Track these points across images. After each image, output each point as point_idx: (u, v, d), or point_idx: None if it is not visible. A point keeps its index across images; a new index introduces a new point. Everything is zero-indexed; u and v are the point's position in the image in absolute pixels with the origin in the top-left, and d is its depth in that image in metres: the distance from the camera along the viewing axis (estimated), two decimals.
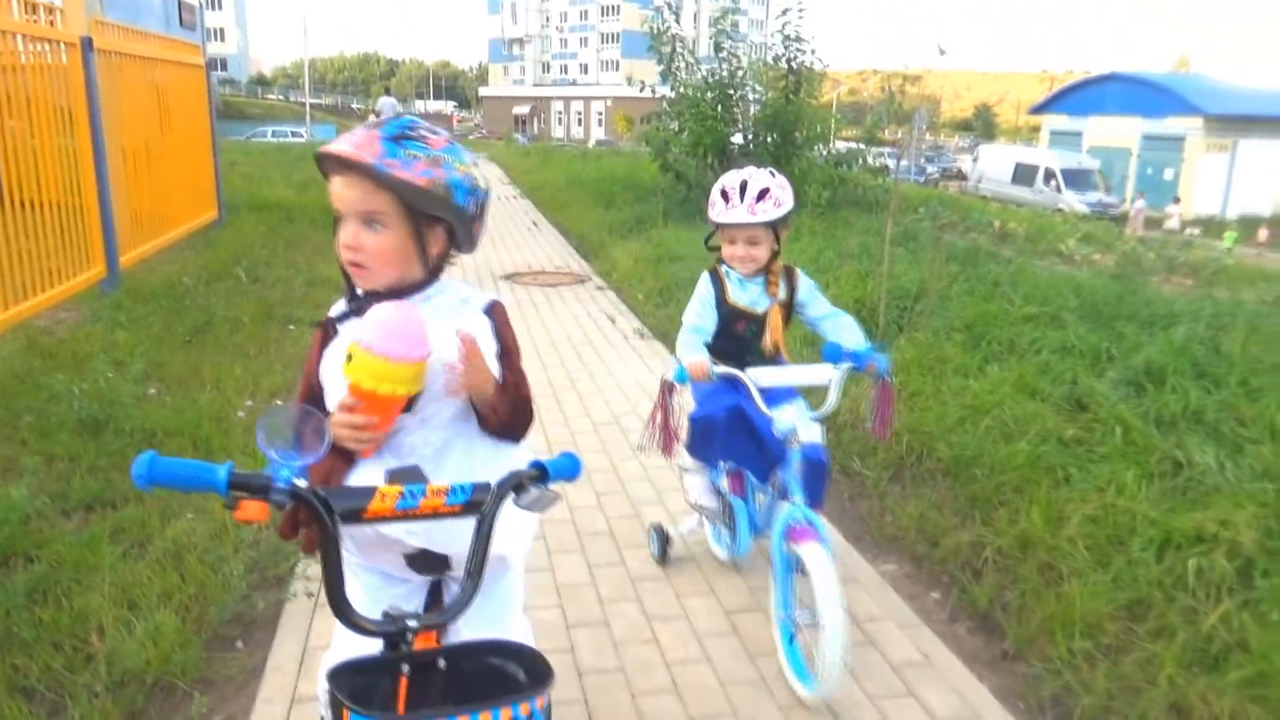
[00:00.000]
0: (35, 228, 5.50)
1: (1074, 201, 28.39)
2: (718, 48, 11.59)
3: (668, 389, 2.77)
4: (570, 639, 2.70)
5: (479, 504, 1.35)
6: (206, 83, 9.46)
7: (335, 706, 1.19)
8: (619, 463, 4.03)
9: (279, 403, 1.41)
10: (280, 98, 73.89)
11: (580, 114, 70.14)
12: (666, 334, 6.18)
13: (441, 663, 1.31)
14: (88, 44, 6.08)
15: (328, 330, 1.54)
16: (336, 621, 1.64)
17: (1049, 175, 31.30)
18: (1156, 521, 3.08)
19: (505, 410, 1.51)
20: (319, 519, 1.25)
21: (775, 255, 2.76)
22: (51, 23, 6.23)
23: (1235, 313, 5.48)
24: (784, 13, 11.20)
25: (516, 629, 1.65)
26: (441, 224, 1.47)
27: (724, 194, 2.63)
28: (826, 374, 2.53)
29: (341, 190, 1.41)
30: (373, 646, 1.50)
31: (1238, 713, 2.30)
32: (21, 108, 5.52)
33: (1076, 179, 30.94)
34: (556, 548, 3.26)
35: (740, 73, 11.69)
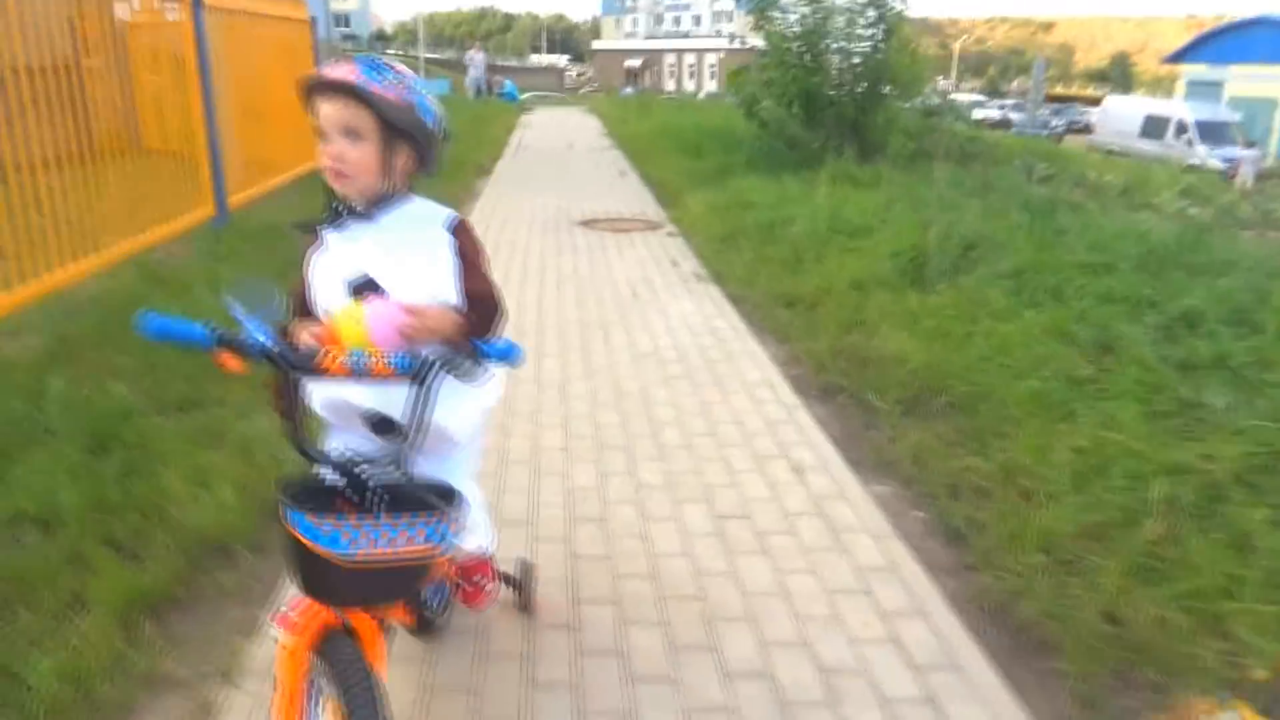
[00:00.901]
0: (155, 170, 6.14)
1: (1207, 156, 26.73)
2: None
3: None
4: (570, 531, 3.04)
5: (420, 374, 1.61)
6: (312, 35, 10.04)
7: (279, 508, 1.54)
8: (649, 388, 4.33)
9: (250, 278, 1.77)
10: (399, 52, 75.83)
11: (693, 67, 69.48)
12: (721, 277, 6.41)
13: (378, 497, 1.62)
14: (198, 2, 6.64)
15: (316, 236, 1.85)
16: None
17: (1180, 128, 29.49)
18: (1140, 454, 3.19)
19: (473, 326, 1.77)
20: (280, 369, 1.58)
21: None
22: None
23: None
24: None
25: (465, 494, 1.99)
26: (409, 143, 1.73)
27: None
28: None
29: (327, 110, 1.67)
30: None
31: (1166, 620, 2.46)
32: (147, 61, 6.17)
33: (1212, 132, 29.02)
34: (576, 457, 3.60)
35: (827, 19, 11.58)
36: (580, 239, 7.84)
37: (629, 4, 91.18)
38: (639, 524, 3.09)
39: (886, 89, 11.15)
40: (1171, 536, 2.73)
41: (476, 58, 21.92)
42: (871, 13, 11.11)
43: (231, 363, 1.57)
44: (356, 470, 1.64)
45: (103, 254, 5.47)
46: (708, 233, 7.69)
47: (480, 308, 1.83)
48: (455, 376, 1.67)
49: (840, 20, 11.63)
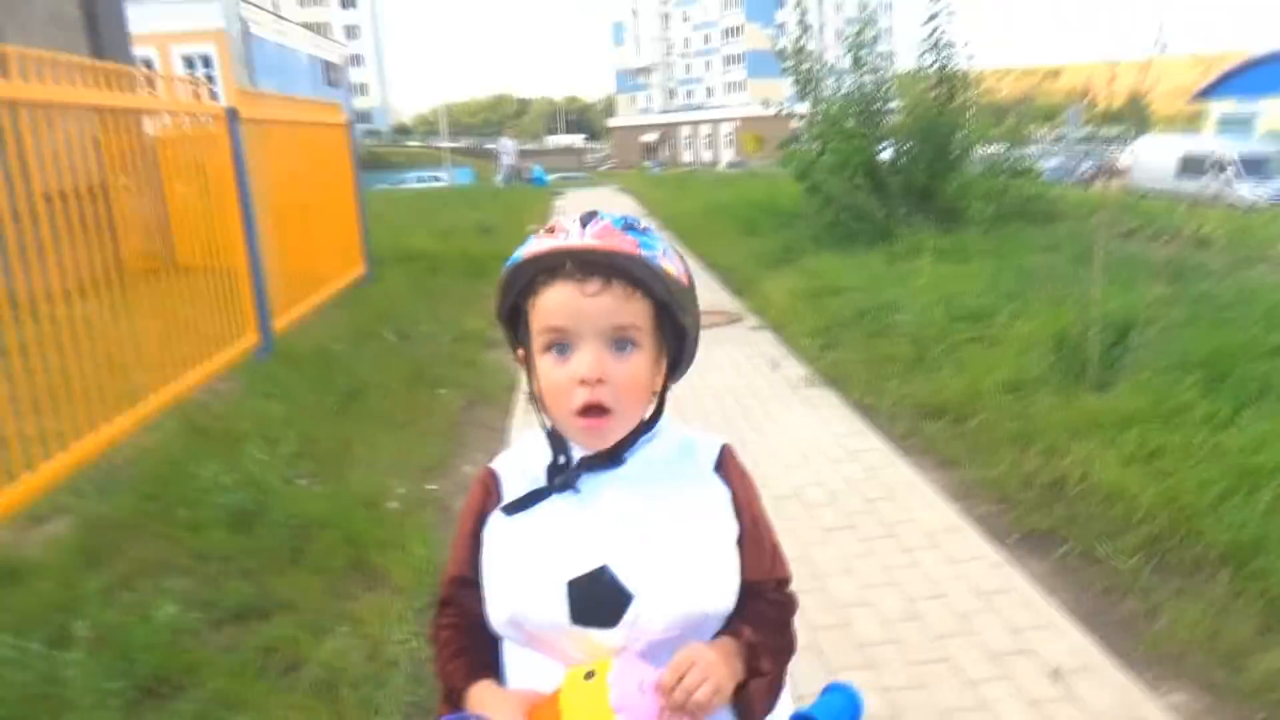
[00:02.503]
0: (192, 293, 5.49)
1: (1251, 192, 25.87)
2: (857, 62, 10.96)
3: None
4: None
5: None
6: (349, 139, 9.55)
7: None
8: (809, 549, 3.49)
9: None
10: (420, 144, 77.24)
11: (709, 137, 70.03)
12: (837, 381, 5.61)
13: None
14: (233, 114, 6.09)
15: (488, 488, 1.17)
16: None
17: (1220, 165, 28.68)
18: None
19: (769, 657, 1.09)
20: None
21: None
22: (199, 95, 6.27)
23: None
24: (932, 17, 10.46)
25: None
26: (666, 344, 1.10)
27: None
28: None
29: (578, 301, 1.02)
30: None
31: None
32: (182, 173, 5.63)
33: (1253, 167, 28.21)
34: None
35: (885, 86, 11.00)
36: None
37: (641, 80, 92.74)
38: None
39: (955, 149, 10.48)
40: None
41: (509, 145, 21.76)
42: (932, 71, 10.50)
43: None
44: None
45: (139, 405, 4.76)
46: (800, 325, 6.90)
47: (773, 611, 1.15)
48: None
49: (893, 84, 11.08)
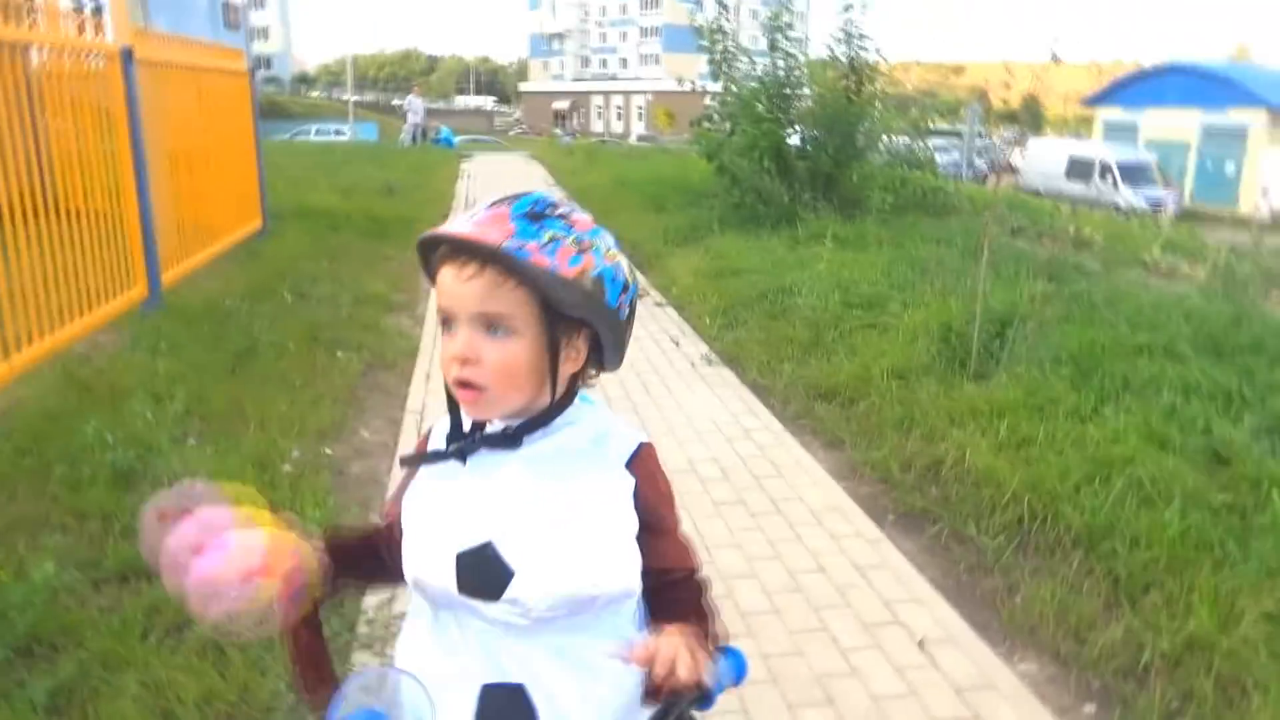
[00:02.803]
0: (76, 241, 5.22)
1: (1131, 197, 27.41)
2: (772, 46, 11.12)
3: None
4: None
5: None
6: (250, 88, 9.19)
7: None
8: (701, 522, 3.62)
9: (366, 667, 1.03)
10: (323, 95, 74.38)
11: (620, 109, 69.73)
12: (736, 360, 5.77)
13: None
14: (128, 55, 5.80)
15: (423, 442, 1.22)
16: None
17: (1104, 169, 30.26)
18: None
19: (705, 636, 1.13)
20: None
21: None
22: (97, 28, 5.94)
23: None
24: (846, 9, 10.69)
25: None
26: (583, 330, 1.11)
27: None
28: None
29: (455, 284, 1.06)
30: None
31: None
32: (68, 113, 5.32)
33: (1133, 174, 29.86)
34: None
35: (797, 72, 11.20)
36: None
37: (556, 46, 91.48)
38: None
39: (861, 139, 10.77)
40: None
41: (416, 103, 21.09)
42: (844, 61, 10.74)
43: None
44: None
45: (13, 356, 4.53)
46: (703, 305, 7.04)
47: (687, 594, 1.18)
48: None
49: (805, 72, 11.28)
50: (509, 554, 1.08)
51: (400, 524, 1.17)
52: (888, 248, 8.43)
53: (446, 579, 1.09)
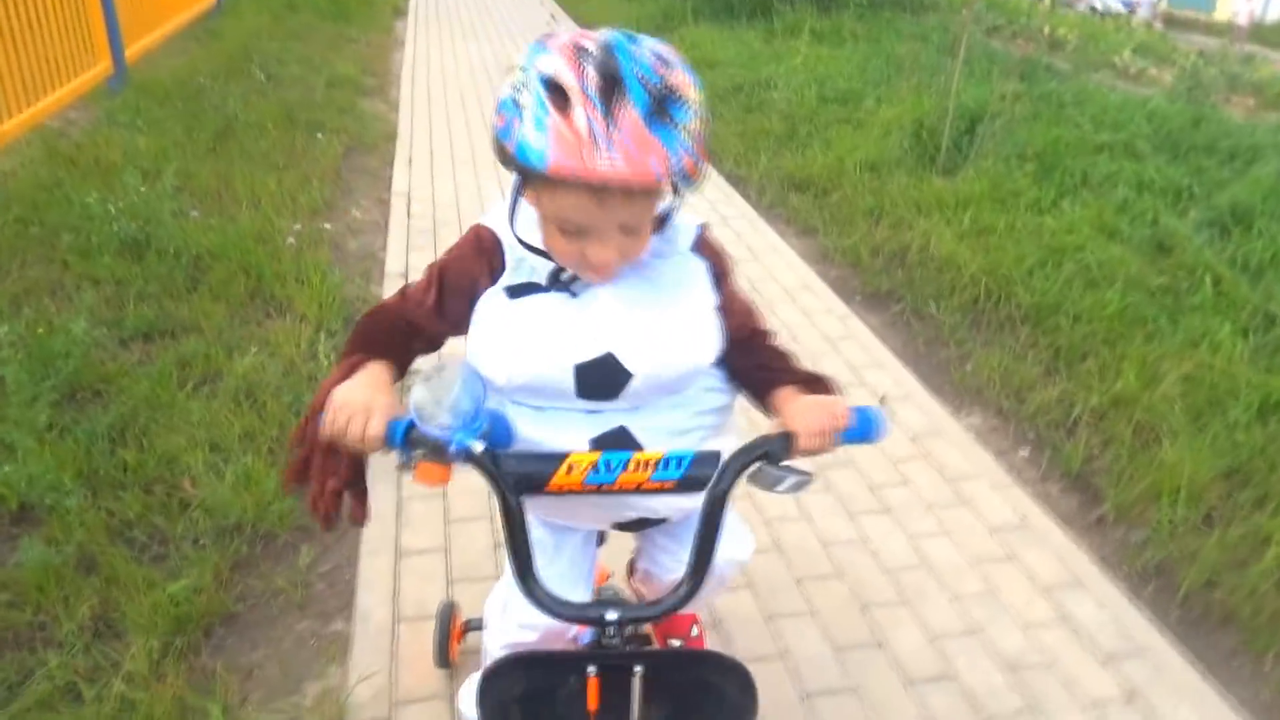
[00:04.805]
0: (38, 14, 5.03)
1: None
2: None
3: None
4: None
5: (700, 481, 1.11)
6: None
7: (498, 709, 1.11)
8: None
9: (432, 367, 1.13)
10: None
11: None
12: (712, 153, 5.85)
13: (638, 668, 1.12)
14: None
15: (488, 251, 1.21)
16: (491, 603, 1.53)
17: None
18: (1256, 385, 3.00)
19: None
20: (496, 488, 1.09)
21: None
22: None
23: None
24: None
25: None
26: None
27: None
28: None
29: (598, 212, 1.03)
30: (530, 632, 1.41)
31: None
32: None
33: None
34: None
35: None
36: None
37: None
38: None
39: None
40: None
41: None
42: None
43: (433, 474, 1.06)
44: (609, 630, 1.12)
45: None
46: None
47: (776, 353, 1.31)
48: (764, 488, 1.14)
49: None
50: (626, 360, 1.16)
51: (444, 312, 1.23)
52: (864, 43, 8.36)
53: (564, 386, 1.17)
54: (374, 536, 2.41)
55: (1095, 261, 3.86)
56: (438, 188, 5.03)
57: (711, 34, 8.90)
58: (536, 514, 1.40)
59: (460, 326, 1.24)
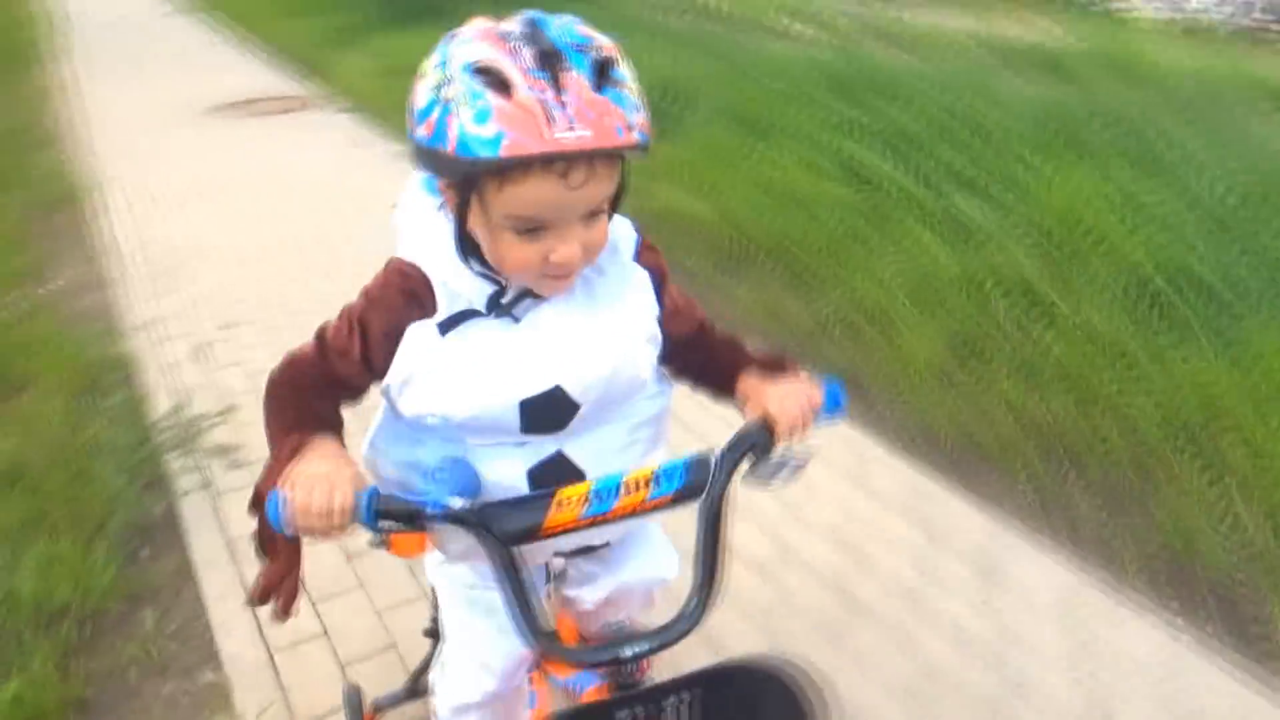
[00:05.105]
0: None
1: None
2: None
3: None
4: None
5: (697, 488, 1.05)
6: None
7: None
8: None
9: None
10: None
11: None
12: None
13: (670, 700, 1.04)
14: None
15: (414, 289, 1.07)
16: (446, 640, 1.40)
17: None
18: (956, 273, 3.59)
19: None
20: (488, 544, 1.01)
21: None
22: None
23: (958, 83, 6.12)
24: None
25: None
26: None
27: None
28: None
29: (561, 195, 0.94)
30: (487, 678, 1.33)
31: (1061, 413, 2.87)
32: None
33: None
34: None
35: None
36: (234, 131, 6.72)
37: None
38: None
39: None
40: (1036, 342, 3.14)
41: None
42: None
43: (408, 546, 1.05)
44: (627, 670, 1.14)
45: None
46: (388, 103, 6.95)
47: (724, 339, 1.32)
48: (765, 478, 1.13)
49: None
50: (574, 390, 1.08)
51: (368, 356, 1.09)
52: None
53: (508, 424, 1.09)
54: (217, 581, 2.32)
55: (807, 195, 4.38)
56: (163, 230, 4.73)
57: (403, 40, 8.77)
58: (472, 560, 1.27)
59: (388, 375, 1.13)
